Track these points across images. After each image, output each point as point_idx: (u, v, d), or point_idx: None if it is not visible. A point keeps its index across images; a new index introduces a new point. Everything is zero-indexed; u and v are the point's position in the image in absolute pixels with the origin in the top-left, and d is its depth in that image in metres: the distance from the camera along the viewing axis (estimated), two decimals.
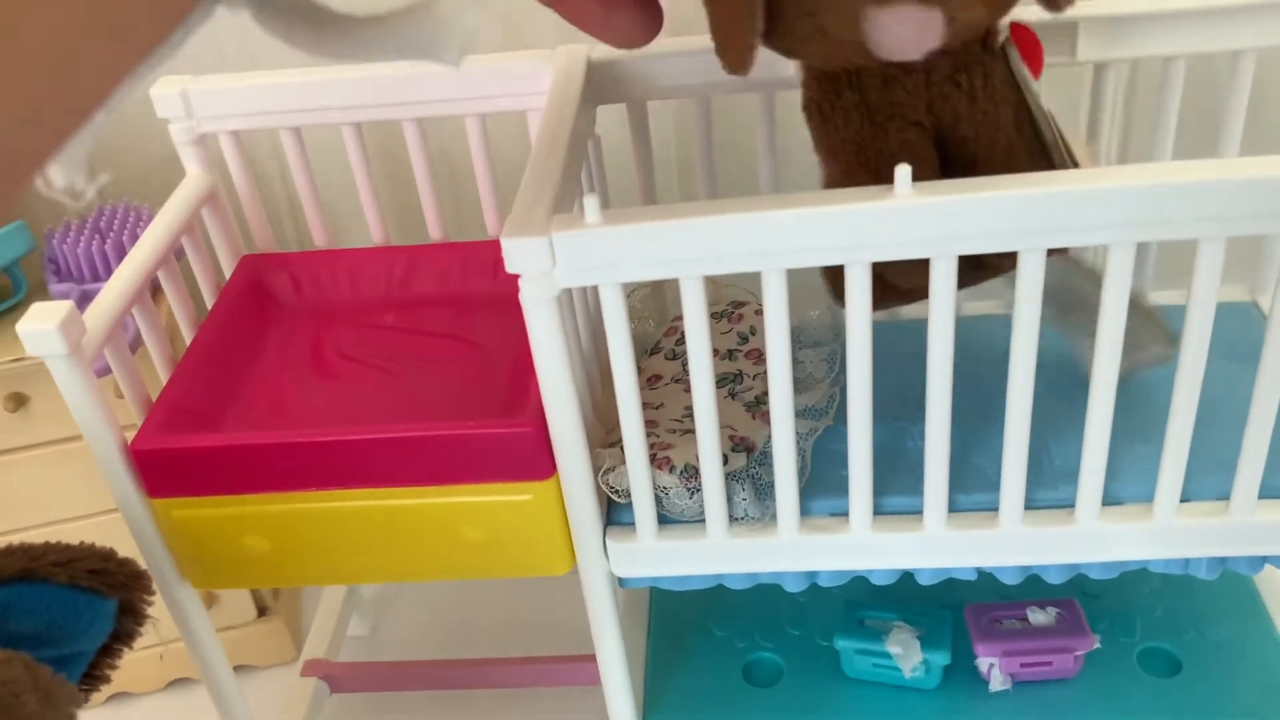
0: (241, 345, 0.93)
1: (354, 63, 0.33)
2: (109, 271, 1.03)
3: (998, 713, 0.90)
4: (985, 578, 0.81)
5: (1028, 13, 0.68)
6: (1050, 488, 0.77)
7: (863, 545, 0.77)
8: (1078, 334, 0.83)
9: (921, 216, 0.62)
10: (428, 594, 1.37)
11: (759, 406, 0.84)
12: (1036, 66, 0.73)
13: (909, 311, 0.90)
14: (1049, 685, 0.91)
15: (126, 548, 0.76)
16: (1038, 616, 0.92)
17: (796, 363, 0.86)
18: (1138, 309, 0.70)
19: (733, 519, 0.77)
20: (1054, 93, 0.91)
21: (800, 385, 0.84)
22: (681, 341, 0.94)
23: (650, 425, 0.81)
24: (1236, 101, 0.86)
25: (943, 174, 0.68)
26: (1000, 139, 0.68)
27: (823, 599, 0.99)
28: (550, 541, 0.80)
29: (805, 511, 0.77)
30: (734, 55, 0.63)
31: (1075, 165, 0.68)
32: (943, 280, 0.65)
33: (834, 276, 0.68)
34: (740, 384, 0.87)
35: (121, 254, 1.04)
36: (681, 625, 1.01)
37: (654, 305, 0.99)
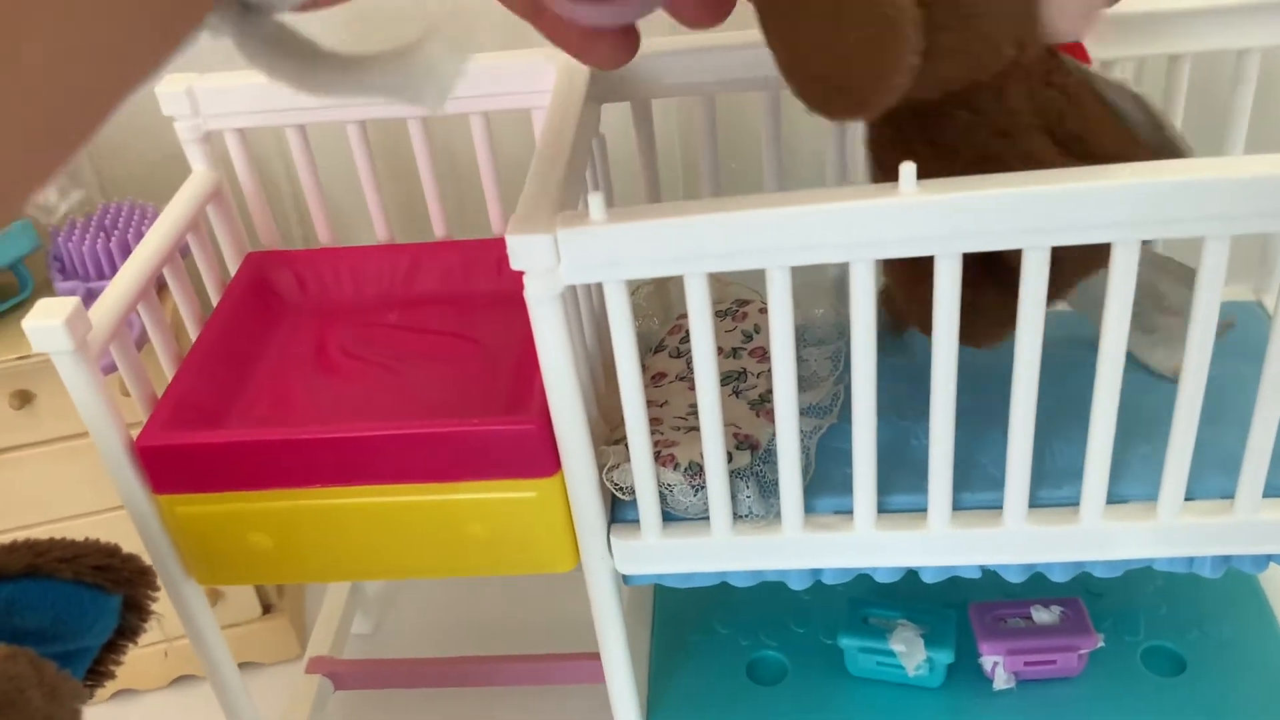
0: (246, 342, 0.94)
1: (336, 99, 0.33)
2: (114, 269, 1.03)
3: (1001, 711, 0.90)
4: (989, 576, 0.81)
5: None
6: (1054, 486, 0.77)
7: (867, 543, 0.77)
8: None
9: (926, 214, 0.62)
10: (431, 592, 1.37)
11: (763, 404, 0.84)
12: (1085, 59, 0.73)
13: None
14: (1053, 684, 0.91)
15: (131, 545, 0.76)
16: (1042, 615, 0.92)
17: (801, 361, 0.86)
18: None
19: (737, 516, 0.77)
20: None
21: (804, 383, 0.84)
22: (685, 339, 0.94)
23: (654, 423, 0.81)
24: (1242, 101, 0.86)
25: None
26: (1106, 125, 0.68)
27: (827, 597, 0.99)
28: (554, 539, 0.80)
29: (809, 509, 0.77)
30: (873, 97, 0.56)
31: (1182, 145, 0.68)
32: (948, 279, 0.65)
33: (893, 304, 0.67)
34: (744, 382, 0.87)
35: (126, 252, 1.04)
36: (685, 623, 1.02)
37: (658, 303, 0.99)
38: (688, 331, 0.93)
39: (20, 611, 0.69)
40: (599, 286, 0.85)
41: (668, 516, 0.78)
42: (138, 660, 1.22)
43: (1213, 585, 0.96)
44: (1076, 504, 0.75)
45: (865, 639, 0.92)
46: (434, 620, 1.33)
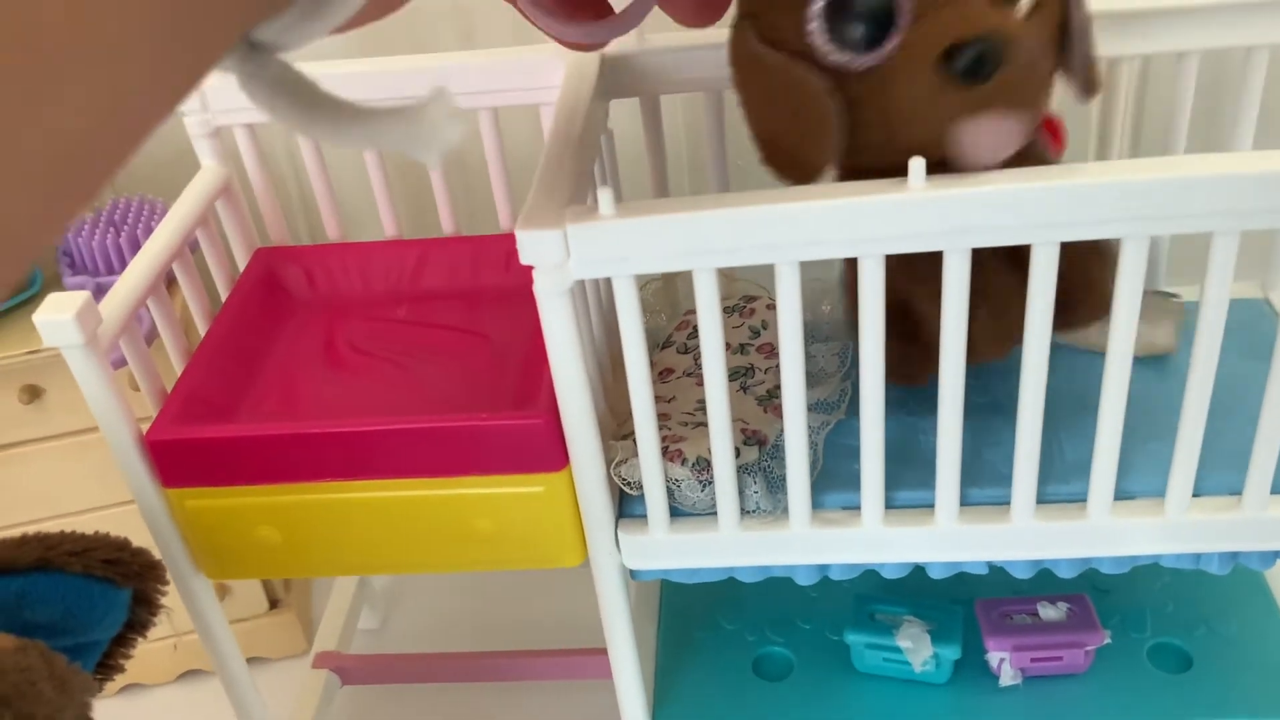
0: (255, 337, 0.94)
1: (335, 145, 0.34)
2: (123, 265, 1.04)
3: (1008, 707, 0.90)
4: (996, 572, 0.81)
5: None
6: (1062, 482, 0.77)
7: (874, 539, 0.77)
8: None
9: (934, 209, 0.62)
10: (438, 587, 1.37)
11: (770, 400, 0.84)
12: (1059, 148, 0.78)
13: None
14: (1059, 680, 0.91)
15: (140, 539, 0.77)
16: (1048, 611, 0.92)
17: (809, 357, 0.86)
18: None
19: (744, 512, 0.77)
20: (1067, 89, 0.91)
21: (812, 379, 0.84)
22: (693, 335, 0.94)
23: (662, 418, 0.81)
24: (1249, 98, 0.86)
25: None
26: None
27: (833, 593, 0.99)
28: (562, 533, 0.80)
29: (817, 505, 0.77)
30: (802, 174, 0.66)
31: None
32: (956, 275, 0.65)
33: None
34: (752, 378, 0.87)
35: (136, 247, 1.04)
36: (691, 619, 1.02)
37: (665, 299, 0.99)
38: (695, 327, 0.94)
39: (31, 605, 0.69)
40: (607, 282, 0.85)
41: (675, 511, 0.78)
42: (146, 655, 1.23)
43: (1219, 582, 0.96)
44: (1084, 500, 0.75)
45: (872, 635, 0.92)
46: (440, 615, 1.34)
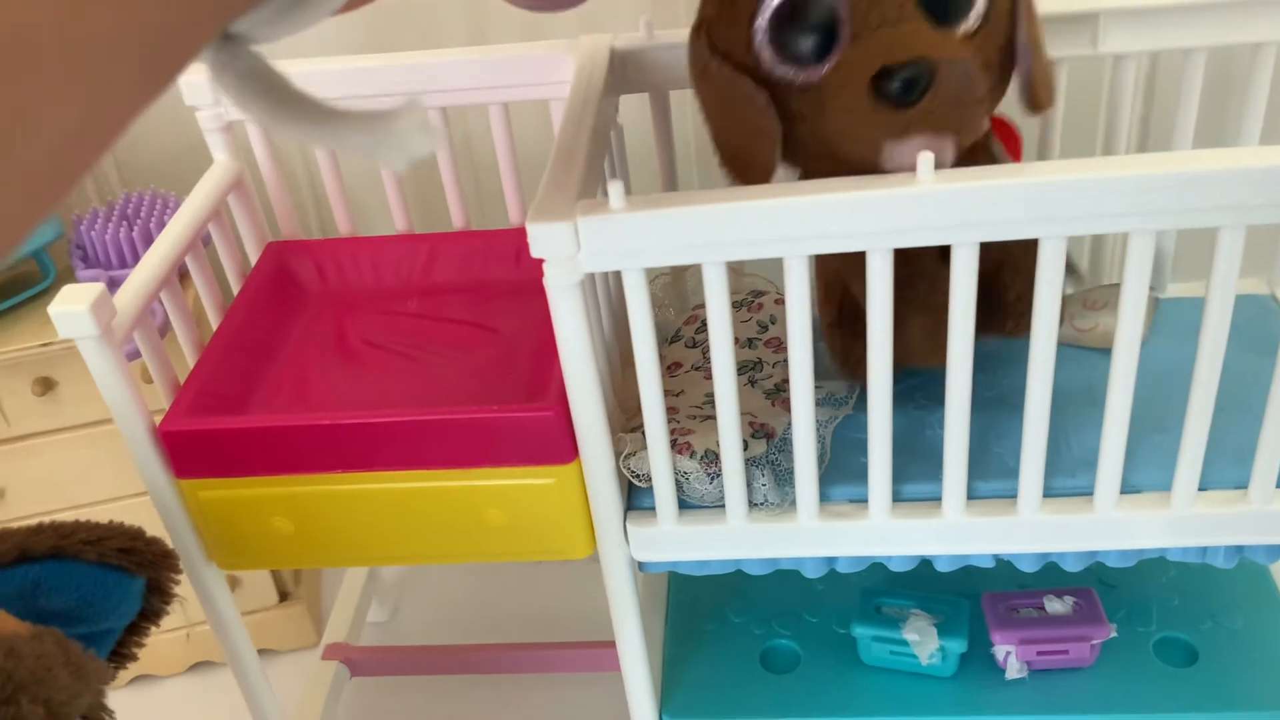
0: (267, 330, 0.94)
1: (302, 142, 0.34)
2: (136, 258, 1.04)
3: (1014, 700, 0.91)
4: (1003, 566, 0.81)
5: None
6: (1069, 475, 0.77)
7: (881, 531, 0.78)
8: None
9: (943, 203, 0.62)
10: (447, 580, 1.38)
11: (778, 394, 0.85)
12: (1016, 155, 0.81)
13: None
14: (1065, 673, 0.92)
15: (153, 530, 0.77)
16: (1054, 605, 0.93)
17: (816, 353, 0.87)
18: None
19: (752, 504, 0.78)
20: (1074, 85, 0.91)
21: (820, 374, 0.85)
22: (701, 330, 0.94)
23: (671, 412, 0.82)
24: (1256, 95, 0.86)
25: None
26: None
27: (840, 586, 0.99)
28: (571, 525, 0.81)
29: (824, 498, 0.78)
30: (755, 175, 0.71)
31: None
32: (964, 268, 0.65)
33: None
34: (760, 372, 0.88)
35: (148, 241, 1.05)
36: (699, 612, 1.02)
37: (674, 294, 1.00)
38: (703, 322, 0.94)
39: (46, 593, 0.70)
40: (616, 278, 0.86)
41: (683, 504, 0.79)
42: (157, 646, 1.24)
43: (1225, 576, 0.97)
44: (1090, 493, 0.75)
45: (878, 628, 0.93)
46: (449, 608, 1.34)
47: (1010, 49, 0.70)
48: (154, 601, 0.75)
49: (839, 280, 0.80)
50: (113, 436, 1.09)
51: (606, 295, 0.84)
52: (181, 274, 0.90)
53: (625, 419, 0.83)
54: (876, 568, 0.82)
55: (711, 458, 0.77)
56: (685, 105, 1.18)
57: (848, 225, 0.63)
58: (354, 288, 1.01)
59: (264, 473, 0.81)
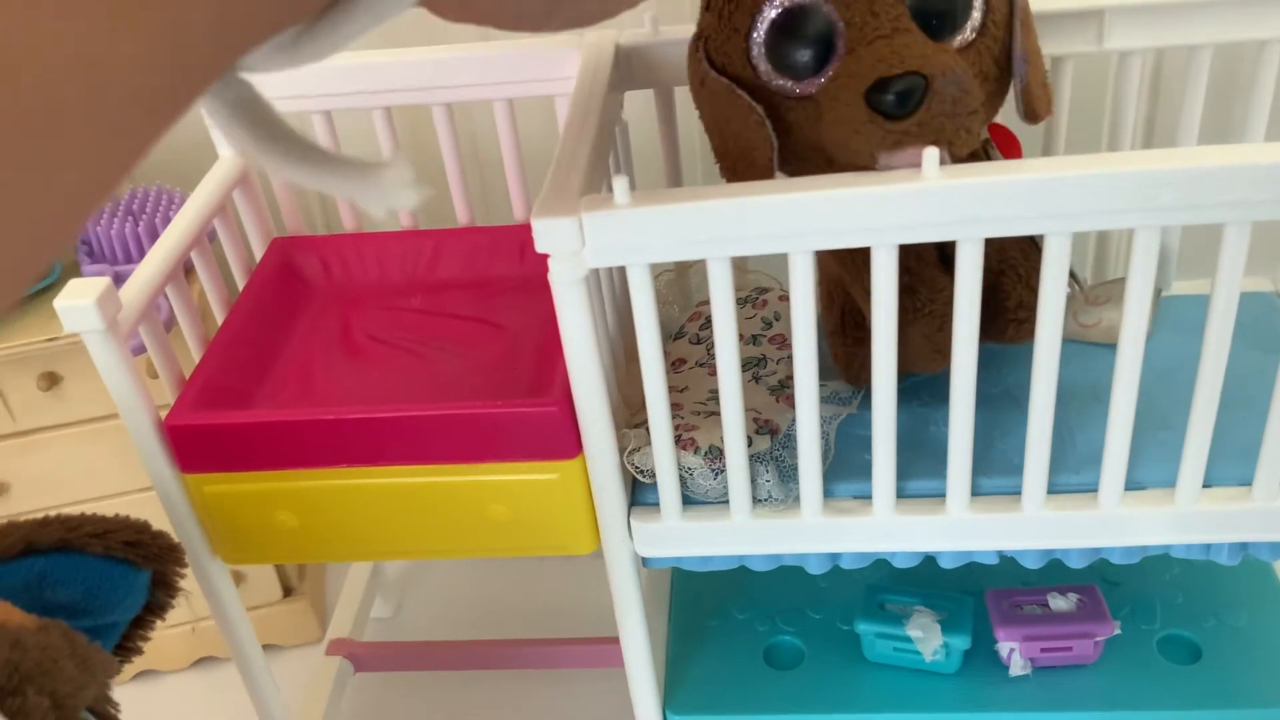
0: (272, 326, 0.95)
1: (285, 178, 0.35)
2: (141, 253, 1.05)
3: (1017, 697, 0.91)
4: (1006, 563, 0.81)
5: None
6: (1073, 472, 0.77)
7: (885, 528, 0.78)
8: None
9: (948, 199, 0.62)
10: (451, 576, 1.38)
11: (783, 390, 0.85)
12: (1016, 159, 0.80)
13: None
14: (1069, 671, 0.92)
15: (158, 525, 0.78)
16: (1058, 602, 0.93)
17: (820, 350, 0.87)
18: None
19: (756, 500, 0.78)
20: (1079, 81, 0.91)
21: (825, 371, 0.85)
22: (705, 326, 0.94)
23: (675, 408, 0.82)
24: (1262, 92, 0.86)
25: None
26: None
27: (844, 583, 0.99)
28: (575, 521, 0.81)
29: (828, 494, 0.78)
30: (754, 175, 0.72)
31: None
32: (969, 264, 0.65)
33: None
34: (764, 368, 0.88)
35: (154, 236, 1.05)
36: (702, 608, 1.02)
37: (678, 290, 1.00)
38: (707, 318, 0.94)
39: (52, 585, 0.70)
40: (621, 275, 0.86)
41: (687, 500, 0.79)
42: (162, 641, 1.24)
43: (1229, 574, 0.97)
44: (1095, 490, 0.75)
45: (882, 625, 0.93)
46: (453, 604, 1.35)
47: (1007, 59, 0.70)
48: (159, 595, 0.76)
49: (840, 287, 0.80)
50: (118, 432, 1.09)
51: (611, 291, 0.84)
52: (187, 269, 0.90)
53: (629, 415, 0.83)
54: (880, 564, 0.82)
55: (715, 453, 0.77)
56: (690, 102, 1.18)
57: (853, 221, 0.64)
58: (359, 283, 1.01)
59: (269, 467, 0.81)
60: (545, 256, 0.67)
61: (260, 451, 0.80)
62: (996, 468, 0.78)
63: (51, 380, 1.06)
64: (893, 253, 0.65)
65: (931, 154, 0.62)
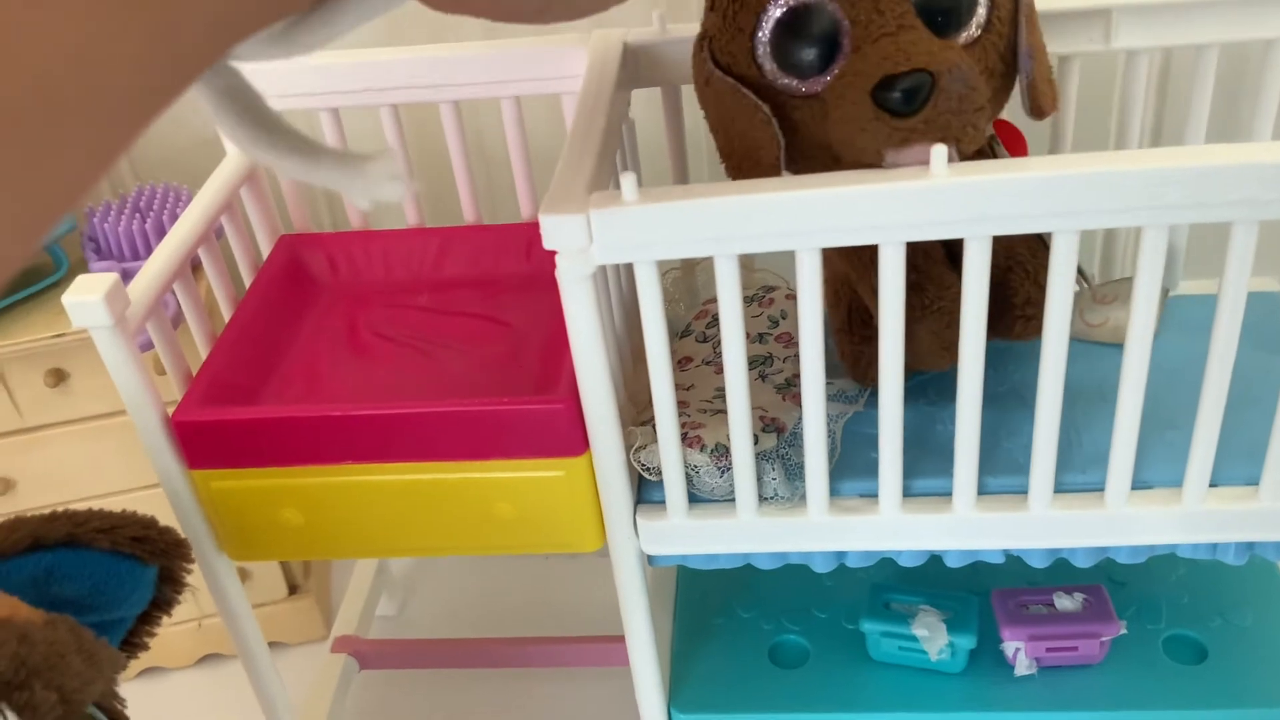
0: (279, 323, 0.95)
1: (272, 168, 0.35)
2: (148, 251, 1.05)
3: (1022, 697, 0.91)
4: (1012, 562, 0.81)
5: None
6: (1079, 471, 0.77)
7: (891, 526, 0.78)
8: None
9: (956, 196, 0.62)
10: (456, 574, 1.38)
11: (789, 388, 0.85)
12: (1022, 155, 0.80)
13: None
14: (1074, 670, 0.92)
15: (165, 522, 0.78)
16: (1064, 602, 0.93)
17: (827, 349, 0.87)
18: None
19: (762, 498, 0.78)
20: (1087, 81, 0.91)
21: (831, 370, 0.85)
22: (712, 325, 0.94)
23: (681, 406, 0.82)
24: (1269, 91, 0.86)
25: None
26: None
27: (849, 582, 0.99)
28: (581, 518, 0.81)
29: (834, 492, 0.78)
30: (760, 174, 0.72)
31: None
32: (977, 262, 0.65)
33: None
34: (770, 366, 0.88)
35: (161, 233, 1.05)
36: (707, 607, 1.02)
37: (685, 289, 1.00)
38: (714, 317, 0.94)
39: (59, 580, 0.70)
40: (628, 272, 0.86)
41: (693, 498, 0.79)
42: (167, 638, 1.24)
43: (1235, 574, 0.96)
44: (1101, 489, 0.75)
45: (887, 624, 0.93)
46: (458, 602, 1.35)
47: (1012, 55, 0.70)
48: (166, 591, 0.76)
49: (847, 284, 0.80)
50: (124, 428, 1.09)
51: (618, 291, 0.84)
52: (194, 266, 0.90)
53: (635, 412, 0.84)
54: (886, 563, 0.82)
55: (722, 451, 0.77)
56: (697, 100, 1.18)
57: (860, 218, 0.64)
58: (365, 281, 1.01)
59: (275, 464, 0.81)
60: (552, 254, 0.67)
61: (267, 448, 0.80)
62: (1002, 467, 0.78)
63: (58, 377, 1.06)
64: (900, 250, 0.65)
65: (940, 151, 0.62)
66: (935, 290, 0.74)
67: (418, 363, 0.91)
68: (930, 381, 0.84)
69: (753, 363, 0.87)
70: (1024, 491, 0.76)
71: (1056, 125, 0.90)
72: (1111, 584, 0.96)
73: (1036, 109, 0.72)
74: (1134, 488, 0.75)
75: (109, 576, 0.71)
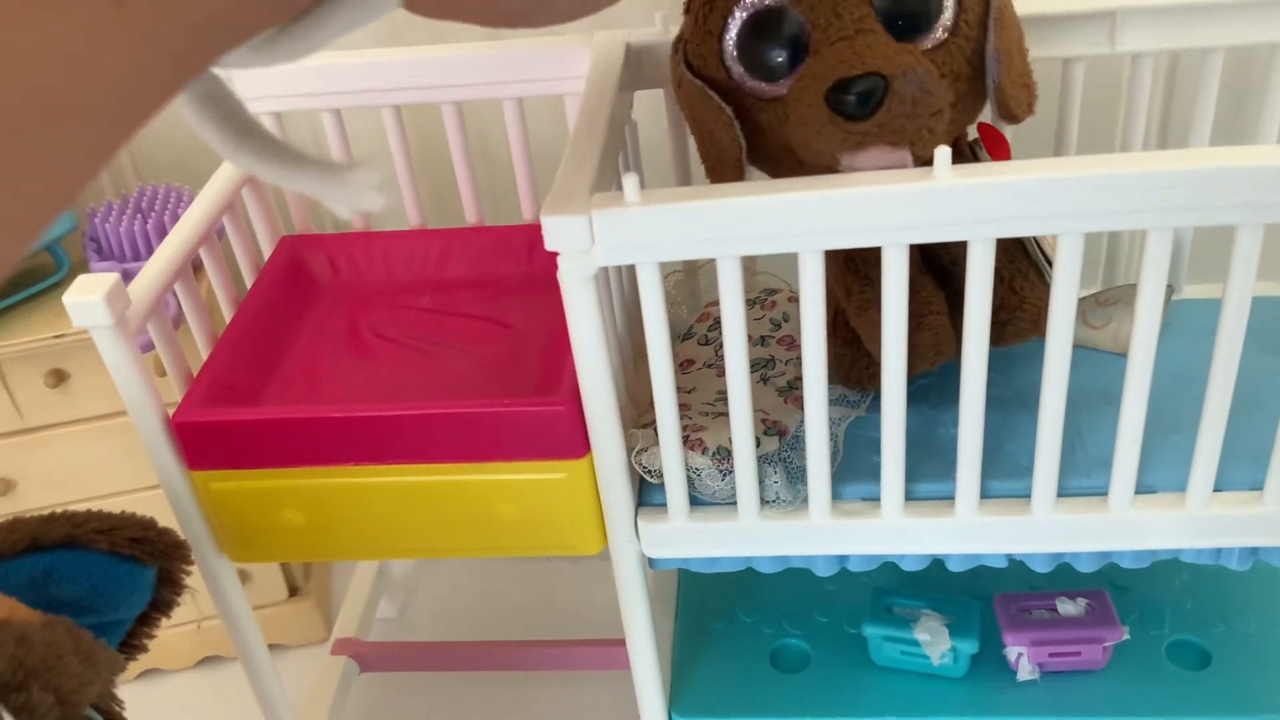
0: (280, 324, 0.95)
1: (253, 173, 0.35)
2: (150, 251, 1.05)
3: (1025, 702, 0.90)
4: (1015, 567, 0.81)
5: None
6: (1083, 475, 0.77)
7: (894, 530, 0.77)
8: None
9: (958, 198, 0.62)
10: (456, 576, 1.38)
11: (791, 391, 0.85)
12: (1005, 158, 0.80)
13: None
14: (1077, 676, 0.91)
15: (165, 523, 0.77)
16: (1067, 607, 0.92)
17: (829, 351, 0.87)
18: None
19: (764, 501, 0.78)
20: (1092, 83, 0.91)
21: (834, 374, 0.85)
22: (714, 327, 0.94)
23: (683, 408, 0.81)
24: (1275, 94, 0.86)
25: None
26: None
27: (851, 586, 0.99)
28: (582, 520, 0.81)
29: (836, 495, 0.78)
30: (729, 175, 0.74)
31: (1047, 256, 0.75)
32: (980, 266, 0.65)
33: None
34: (772, 369, 0.88)
35: (162, 234, 1.05)
36: (709, 611, 1.02)
37: (687, 291, 0.99)
38: (716, 319, 0.94)
39: (58, 582, 0.70)
40: (630, 274, 0.86)
41: (695, 501, 0.79)
42: (166, 640, 1.24)
43: (1239, 579, 0.96)
44: (1105, 493, 0.75)
45: (889, 628, 0.92)
46: (458, 605, 1.34)
47: (981, 59, 0.70)
48: (165, 592, 0.76)
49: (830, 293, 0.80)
50: (124, 429, 1.09)
51: (620, 293, 0.84)
52: (195, 267, 0.90)
53: (637, 415, 0.83)
54: (888, 567, 0.82)
55: (723, 454, 0.77)
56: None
57: (864, 220, 0.63)
58: (367, 282, 1.01)
59: (276, 465, 0.81)
60: (554, 256, 0.67)
61: (267, 449, 0.80)
62: (1005, 470, 0.78)
63: (59, 377, 1.06)
64: (903, 252, 0.65)
65: (944, 152, 0.62)
66: (920, 300, 0.74)
67: (419, 364, 0.91)
68: (932, 385, 0.84)
69: (754, 365, 0.87)
70: (1027, 495, 0.76)
71: (1061, 128, 0.90)
72: (1114, 589, 0.95)
73: (1006, 113, 0.72)
74: (1138, 492, 0.75)
75: (107, 578, 0.71)
